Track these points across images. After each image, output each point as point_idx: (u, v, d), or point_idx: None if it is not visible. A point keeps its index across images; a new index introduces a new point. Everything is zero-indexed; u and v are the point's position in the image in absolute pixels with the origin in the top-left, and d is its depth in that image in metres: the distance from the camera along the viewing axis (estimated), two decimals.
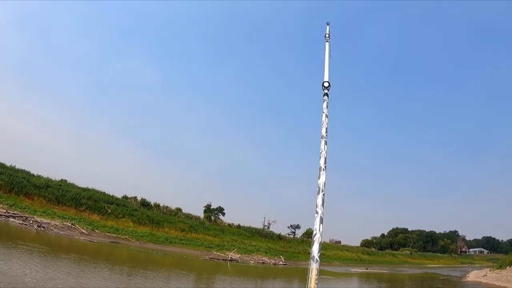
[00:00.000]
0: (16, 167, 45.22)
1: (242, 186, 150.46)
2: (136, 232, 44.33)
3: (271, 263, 47.06)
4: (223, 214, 64.69)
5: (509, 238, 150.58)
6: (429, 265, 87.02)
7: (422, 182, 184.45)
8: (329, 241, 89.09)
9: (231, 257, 43.00)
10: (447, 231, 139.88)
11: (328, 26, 2.97)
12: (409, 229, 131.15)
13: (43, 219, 34.21)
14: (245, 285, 19.62)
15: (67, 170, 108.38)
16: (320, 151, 1.99)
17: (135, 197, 56.78)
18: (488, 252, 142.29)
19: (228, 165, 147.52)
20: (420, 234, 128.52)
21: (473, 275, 35.16)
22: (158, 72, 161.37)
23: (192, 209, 65.30)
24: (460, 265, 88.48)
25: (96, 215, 43.79)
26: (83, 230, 36.19)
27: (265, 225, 73.31)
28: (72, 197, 43.61)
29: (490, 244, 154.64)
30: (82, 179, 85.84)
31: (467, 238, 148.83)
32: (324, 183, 1.88)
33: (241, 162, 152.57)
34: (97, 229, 39.78)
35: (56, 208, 40.31)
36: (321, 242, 1.74)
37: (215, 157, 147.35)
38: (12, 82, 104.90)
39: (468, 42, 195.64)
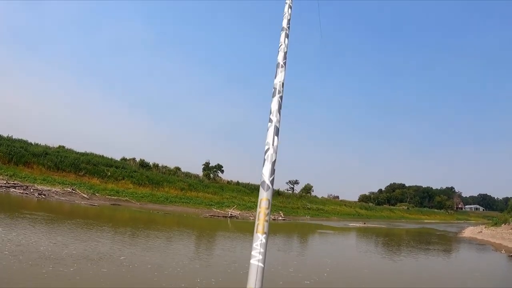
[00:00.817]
0: (13, 137, 45.28)
1: (240, 144, 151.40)
2: (136, 193, 45.28)
3: (271, 219, 48.12)
4: (222, 171, 65.33)
5: (504, 196, 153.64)
6: (426, 221, 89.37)
7: (419, 138, 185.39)
8: (328, 196, 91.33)
9: (231, 214, 43.73)
10: (444, 187, 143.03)
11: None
12: (406, 185, 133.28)
13: (44, 187, 34.95)
14: (244, 240, 20.55)
15: (64, 137, 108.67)
16: (280, 44, 1.70)
17: (134, 159, 57.29)
18: (483, 209, 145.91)
19: (225, 123, 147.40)
20: (417, 190, 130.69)
21: (468, 231, 36.29)
22: (150, 33, 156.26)
23: (191, 168, 66.42)
24: (456, 221, 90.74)
25: (96, 178, 44.50)
26: (84, 195, 37.04)
27: None
28: (71, 163, 44.09)
29: (485, 201, 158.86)
30: (80, 145, 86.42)
31: (463, 195, 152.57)
32: (282, 83, 1.56)
33: (238, 119, 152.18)
34: (97, 192, 40.64)
35: (56, 175, 40.95)
36: (274, 161, 1.38)
37: (212, 115, 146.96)
38: (4, 53, 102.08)
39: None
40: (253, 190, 65.52)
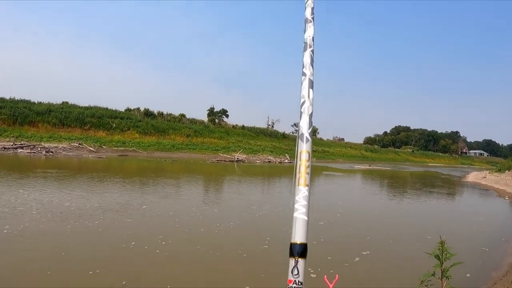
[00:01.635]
0: (16, 99, 45.48)
1: (244, 88, 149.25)
2: (142, 143, 46.10)
3: (277, 162, 48.38)
4: (227, 116, 65.34)
5: (509, 143, 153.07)
6: (430, 164, 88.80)
7: (425, 81, 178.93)
8: (333, 138, 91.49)
9: (237, 158, 44.34)
10: (449, 131, 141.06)
11: None
12: (411, 128, 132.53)
13: (50, 144, 35.72)
14: (254, 183, 21.13)
15: (67, 93, 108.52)
16: (306, 1, 1.71)
17: (138, 108, 57.50)
18: (487, 155, 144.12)
19: (228, 68, 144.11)
20: (422, 133, 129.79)
21: (472, 176, 36.02)
22: None
23: (196, 114, 66.64)
24: (460, 166, 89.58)
25: (102, 131, 45.23)
26: (91, 148, 37.94)
27: (269, 125, 74.77)
28: (76, 118, 44.62)
29: (490, 147, 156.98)
30: (83, 99, 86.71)
31: (468, 140, 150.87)
32: (312, 38, 1.58)
33: (241, 64, 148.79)
34: (104, 145, 41.55)
35: (62, 131, 41.66)
36: (311, 113, 1.43)
37: (215, 61, 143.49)
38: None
39: None
40: (258, 133, 65.88)
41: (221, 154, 48.32)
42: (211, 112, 63.73)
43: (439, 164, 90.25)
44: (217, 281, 5.24)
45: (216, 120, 63.07)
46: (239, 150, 51.01)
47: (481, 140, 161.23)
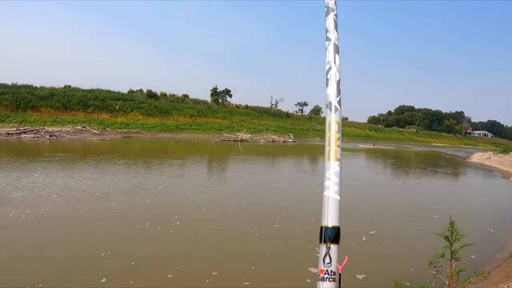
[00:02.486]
0: (18, 84, 45.26)
1: (248, 67, 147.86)
2: (146, 124, 46.12)
3: (281, 141, 48.37)
4: (230, 96, 64.74)
5: None
6: (434, 144, 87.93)
7: (431, 62, 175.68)
8: None
9: (241, 138, 44.29)
10: (453, 111, 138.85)
11: None
12: (415, 107, 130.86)
13: (54, 128, 35.70)
14: (263, 162, 21.23)
15: (70, 77, 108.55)
16: None
17: (141, 90, 57.21)
18: (492, 136, 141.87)
19: (231, 47, 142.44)
20: (426, 113, 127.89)
21: (476, 157, 35.55)
22: None
23: (199, 94, 66.38)
24: (464, 146, 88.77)
25: (105, 114, 45.09)
26: (94, 131, 37.97)
27: (273, 104, 74.13)
28: (78, 101, 44.45)
29: (494, 128, 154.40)
30: (85, 81, 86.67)
31: (473, 120, 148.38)
32: (335, 2, 1.49)
33: (244, 43, 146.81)
34: (107, 127, 41.56)
35: (65, 115, 41.57)
36: (339, 80, 1.35)
37: (217, 41, 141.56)
38: None
39: None
40: (262, 113, 65.46)
41: (225, 134, 48.25)
42: (214, 92, 63.20)
43: (443, 144, 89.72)
44: (223, 261, 5.25)
45: (220, 100, 62.60)
46: (243, 130, 50.87)
47: (485, 121, 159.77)
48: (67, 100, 43.74)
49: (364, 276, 4.90)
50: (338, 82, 1.35)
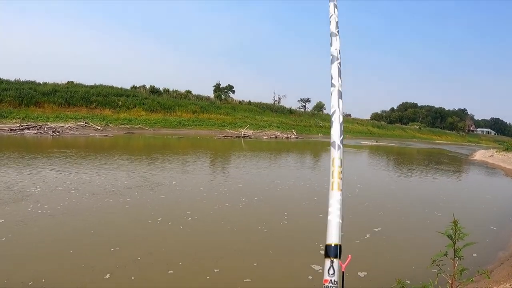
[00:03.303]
0: (21, 80, 45.39)
1: (250, 63, 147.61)
2: (149, 120, 46.25)
3: (284, 137, 48.41)
4: (233, 92, 64.85)
5: None
6: (437, 141, 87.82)
7: (434, 58, 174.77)
8: None
9: (244, 134, 44.49)
10: (456, 109, 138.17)
11: None
12: (418, 104, 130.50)
13: (57, 124, 35.88)
14: (270, 159, 21.34)
15: (72, 72, 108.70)
16: (330, 15, 1.84)
17: (144, 86, 57.22)
18: (495, 134, 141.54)
19: (233, 43, 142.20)
20: (429, 110, 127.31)
21: (479, 155, 35.43)
22: None
23: (202, 90, 66.43)
24: (467, 144, 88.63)
25: (108, 109, 45.25)
26: (97, 127, 38.16)
27: (276, 100, 74.25)
28: (81, 97, 44.61)
29: (497, 125, 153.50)
30: (88, 77, 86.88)
31: (476, 118, 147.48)
32: (339, 50, 1.71)
33: (247, 39, 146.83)
34: (110, 123, 41.72)
35: (68, 111, 41.74)
36: (342, 122, 1.56)
37: (220, 36, 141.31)
38: None
39: None
40: (265, 109, 65.38)
41: (228, 130, 48.30)
42: (217, 88, 63.22)
43: (446, 142, 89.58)
44: (227, 258, 5.28)
45: (223, 96, 62.62)
46: (246, 126, 50.95)
47: (488, 119, 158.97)
48: (70, 96, 43.88)
49: (366, 273, 4.91)
50: (341, 124, 1.55)
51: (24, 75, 46.43)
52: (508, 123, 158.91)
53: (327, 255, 1.30)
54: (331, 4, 1.91)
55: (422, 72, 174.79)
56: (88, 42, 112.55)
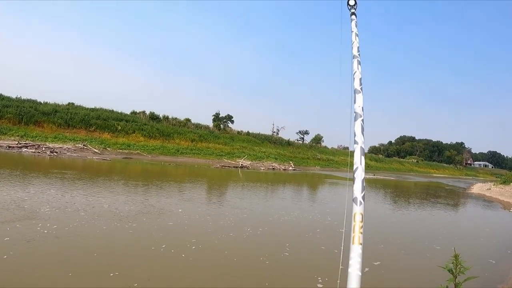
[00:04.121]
0: (23, 98, 45.84)
1: (250, 94, 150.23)
2: (147, 146, 46.29)
3: (281, 169, 48.30)
4: (232, 122, 65.54)
5: None
6: (434, 175, 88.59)
7: (431, 92, 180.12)
8: (337, 147, 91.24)
9: (241, 164, 44.32)
10: (454, 142, 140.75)
11: None
12: (416, 138, 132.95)
13: (55, 145, 35.92)
14: (258, 189, 21.35)
15: (73, 94, 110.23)
16: (354, 72, 1.89)
17: (144, 112, 57.78)
18: (492, 167, 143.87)
19: (235, 73, 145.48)
20: (427, 143, 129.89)
21: (477, 188, 35.73)
22: None
23: (201, 119, 67.01)
24: (464, 177, 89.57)
25: (107, 133, 45.42)
26: (95, 150, 38.05)
27: (274, 131, 74.90)
28: (81, 119, 44.83)
29: (495, 158, 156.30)
30: (89, 100, 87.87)
31: (473, 151, 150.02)
32: (362, 108, 1.75)
33: (248, 70, 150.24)
34: (109, 147, 41.68)
35: (67, 132, 41.89)
36: (364, 179, 1.61)
37: (221, 66, 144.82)
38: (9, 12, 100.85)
39: None
40: (263, 140, 65.85)
41: (226, 160, 48.27)
42: (217, 118, 63.88)
43: (444, 175, 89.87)
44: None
45: (221, 126, 63.12)
46: (244, 156, 50.92)
47: (486, 152, 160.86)
48: (69, 118, 44.18)
49: None
50: (363, 180, 1.61)
51: (25, 92, 47.08)
52: (505, 156, 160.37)
53: None
54: (355, 61, 2.01)
55: (420, 106, 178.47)
56: (91, 65, 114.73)
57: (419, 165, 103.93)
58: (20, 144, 32.47)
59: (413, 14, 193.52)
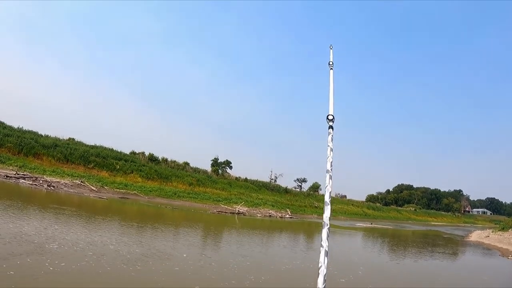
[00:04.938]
0: (24, 129, 45.72)
1: (249, 140, 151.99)
2: (144, 187, 45.32)
3: (278, 216, 47.67)
4: (230, 167, 65.20)
5: None
6: (433, 223, 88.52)
7: (429, 140, 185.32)
8: (335, 195, 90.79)
9: (238, 210, 43.70)
10: (452, 190, 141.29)
11: (331, 51, 2.59)
12: (414, 186, 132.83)
13: (53, 179, 35.10)
14: (258, 237, 20.97)
15: (74, 129, 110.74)
16: (325, 185, 1.98)
17: (143, 153, 57.40)
18: (491, 213, 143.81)
19: (234, 118, 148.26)
20: (425, 191, 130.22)
21: (475, 235, 35.57)
22: (158, 27, 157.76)
23: (200, 163, 66.45)
24: (462, 224, 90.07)
25: (105, 171, 44.74)
26: (92, 187, 37.17)
27: (272, 178, 74.39)
28: (80, 155, 44.37)
29: (493, 205, 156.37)
30: (89, 137, 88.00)
31: (471, 198, 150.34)
32: (329, 218, 1.87)
33: (248, 115, 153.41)
34: (106, 185, 40.78)
35: (65, 167, 41.23)
36: (325, 274, 1.71)
37: (221, 110, 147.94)
38: (16, 45, 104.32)
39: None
40: (260, 187, 65.31)
41: (222, 205, 47.36)
42: (215, 162, 63.68)
43: (442, 223, 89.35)
44: None
45: (220, 171, 62.71)
46: (241, 203, 50.13)
47: (484, 198, 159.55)
48: (69, 153, 43.73)
49: None
50: (325, 275, 1.69)
51: (26, 123, 46.98)
52: (504, 202, 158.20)
53: None
54: (327, 176, 2.00)
55: (418, 154, 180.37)
56: (93, 102, 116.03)
57: (417, 213, 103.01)
58: (18, 174, 31.70)
59: (410, 64, 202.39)
